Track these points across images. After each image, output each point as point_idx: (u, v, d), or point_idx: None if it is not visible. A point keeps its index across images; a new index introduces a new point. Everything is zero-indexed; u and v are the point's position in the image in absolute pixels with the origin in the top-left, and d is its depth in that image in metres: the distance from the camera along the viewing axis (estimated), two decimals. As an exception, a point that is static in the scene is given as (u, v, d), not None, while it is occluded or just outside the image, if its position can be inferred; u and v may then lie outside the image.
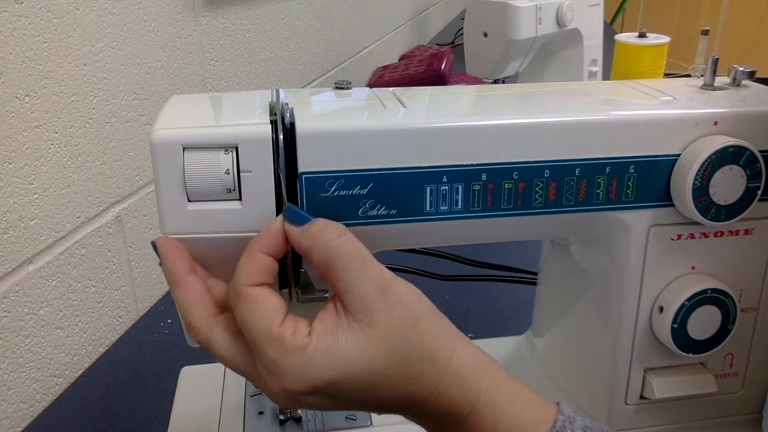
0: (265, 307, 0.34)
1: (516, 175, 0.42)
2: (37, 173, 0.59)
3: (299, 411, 0.53)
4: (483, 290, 0.77)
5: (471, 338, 0.38)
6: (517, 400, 0.36)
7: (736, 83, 0.49)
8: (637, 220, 0.45)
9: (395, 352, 0.34)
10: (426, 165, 0.40)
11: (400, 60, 1.77)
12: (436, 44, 2.07)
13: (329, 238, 0.36)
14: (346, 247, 0.35)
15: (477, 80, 1.06)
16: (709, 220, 0.44)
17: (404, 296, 0.35)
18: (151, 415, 0.60)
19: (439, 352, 0.35)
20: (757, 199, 0.44)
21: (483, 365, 0.36)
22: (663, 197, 0.44)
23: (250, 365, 0.35)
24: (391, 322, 0.34)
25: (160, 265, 0.38)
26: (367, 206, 0.40)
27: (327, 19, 1.28)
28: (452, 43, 2.03)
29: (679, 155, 0.43)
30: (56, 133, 0.61)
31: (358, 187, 0.40)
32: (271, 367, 0.34)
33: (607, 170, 0.43)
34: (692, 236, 0.46)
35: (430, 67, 1.43)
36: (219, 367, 0.58)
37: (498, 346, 0.62)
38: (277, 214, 0.39)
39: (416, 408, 0.36)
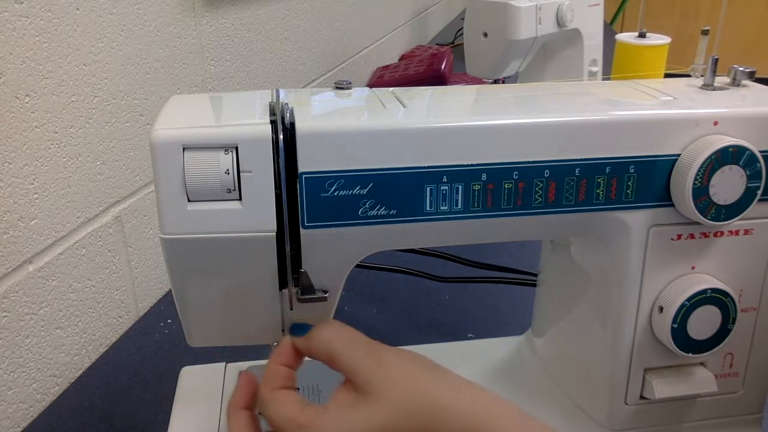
0: (287, 403, 0.40)
1: (516, 175, 0.42)
2: (37, 173, 0.59)
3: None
4: (483, 290, 0.77)
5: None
6: None
7: (736, 83, 0.49)
8: (637, 220, 0.45)
9: (402, 408, 0.38)
10: (426, 165, 0.40)
11: (400, 60, 1.77)
12: (436, 44, 2.07)
13: (323, 335, 0.42)
14: (340, 336, 0.42)
15: (477, 80, 1.06)
16: (709, 220, 0.44)
17: (396, 361, 0.40)
18: (151, 415, 0.60)
19: (445, 399, 0.38)
20: (757, 199, 0.44)
21: (492, 405, 0.38)
22: (663, 197, 0.44)
23: None
24: (392, 385, 0.39)
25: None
26: (367, 206, 0.40)
27: (327, 19, 1.28)
28: (452, 43, 2.03)
29: (679, 155, 0.43)
30: (56, 133, 0.61)
31: (358, 187, 0.40)
32: None
33: (607, 170, 0.43)
34: (692, 236, 0.46)
35: (430, 67, 1.43)
36: (219, 367, 0.58)
37: (498, 346, 0.62)
38: (277, 214, 0.39)
39: None
